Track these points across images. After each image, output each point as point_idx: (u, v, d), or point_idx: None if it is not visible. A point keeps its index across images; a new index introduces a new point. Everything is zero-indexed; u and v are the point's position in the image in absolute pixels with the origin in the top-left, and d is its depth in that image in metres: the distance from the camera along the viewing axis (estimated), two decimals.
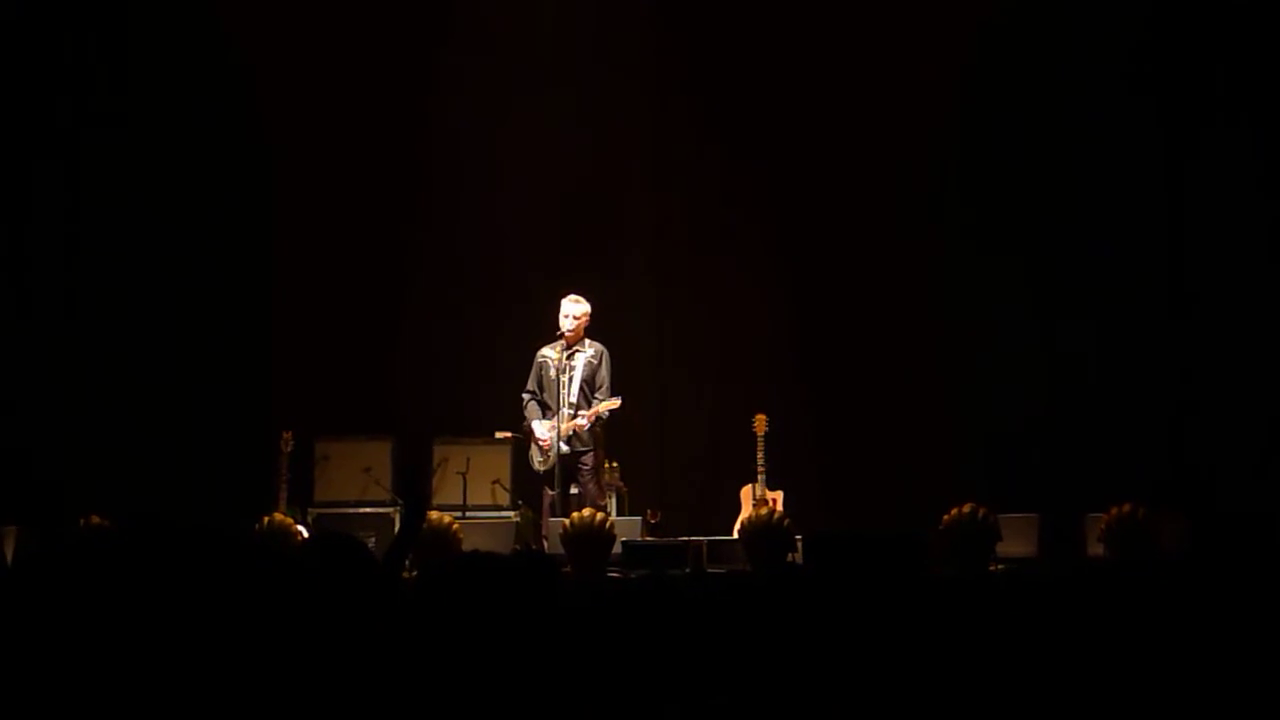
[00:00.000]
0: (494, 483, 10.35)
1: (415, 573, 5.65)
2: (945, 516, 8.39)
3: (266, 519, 9.04)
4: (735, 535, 9.19)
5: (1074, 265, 11.08)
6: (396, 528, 10.04)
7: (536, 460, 9.91)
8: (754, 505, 10.04)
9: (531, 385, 9.98)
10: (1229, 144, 10.68)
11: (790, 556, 8.39)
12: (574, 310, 9.90)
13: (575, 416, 9.73)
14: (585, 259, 11.30)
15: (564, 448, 9.69)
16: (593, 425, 9.83)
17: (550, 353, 9.93)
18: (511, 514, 10.19)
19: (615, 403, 9.77)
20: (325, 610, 3.55)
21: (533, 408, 9.95)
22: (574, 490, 9.76)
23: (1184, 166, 10.86)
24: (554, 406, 9.81)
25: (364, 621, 3.52)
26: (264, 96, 11.25)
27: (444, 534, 8.35)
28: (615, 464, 10.77)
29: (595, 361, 9.90)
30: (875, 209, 11.43)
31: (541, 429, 9.82)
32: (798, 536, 8.45)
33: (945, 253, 11.24)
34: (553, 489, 9.76)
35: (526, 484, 10.19)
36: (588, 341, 9.93)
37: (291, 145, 11.38)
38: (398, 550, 4.83)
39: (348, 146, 11.52)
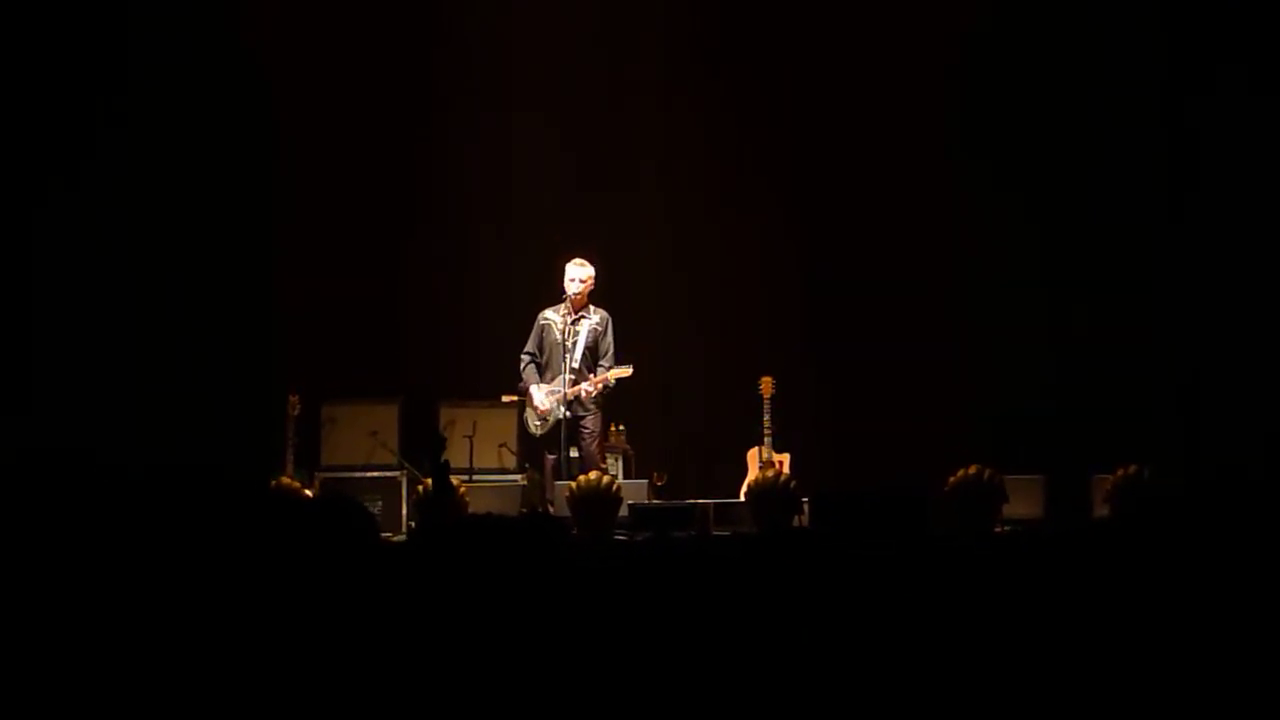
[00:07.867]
0: (500, 446, 10.36)
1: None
2: (951, 478, 8.40)
3: (274, 482, 9.07)
4: (742, 498, 9.20)
5: (1082, 226, 11.04)
6: (404, 491, 10.09)
7: (533, 424, 9.86)
8: (760, 468, 10.05)
9: (531, 347, 9.91)
10: (1241, 106, 10.59)
11: (796, 519, 8.40)
12: (579, 274, 9.83)
13: (578, 383, 9.70)
14: (591, 220, 11.28)
15: (565, 412, 9.67)
16: (598, 392, 9.79)
17: (553, 315, 9.88)
18: (518, 477, 10.20)
19: (627, 371, 9.67)
20: (327, 569, 3.57)
21: (530, 370, 9.88)
22: (574, 453, 9.77)
23: (1191, 137, 10.79)
24: (554, 370, 9.78)
25: (365, 581, 3.54)
26: (266, 48, 11.14)
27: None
28: (621, 427, 10.77)
29: (600, 328, 9.84)
30: (884, 171, 11.39)
31: (539, 394, 9.77)
32: (804, 499, 8.46)
33: (953, 215, 11.21)
34: (553, 452, 9.77)
35: (532, 448, 10.18)
36: (593, 308, 9.88)
37: (294, 105, 11.34)
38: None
39: (352, 107, 11.50)
